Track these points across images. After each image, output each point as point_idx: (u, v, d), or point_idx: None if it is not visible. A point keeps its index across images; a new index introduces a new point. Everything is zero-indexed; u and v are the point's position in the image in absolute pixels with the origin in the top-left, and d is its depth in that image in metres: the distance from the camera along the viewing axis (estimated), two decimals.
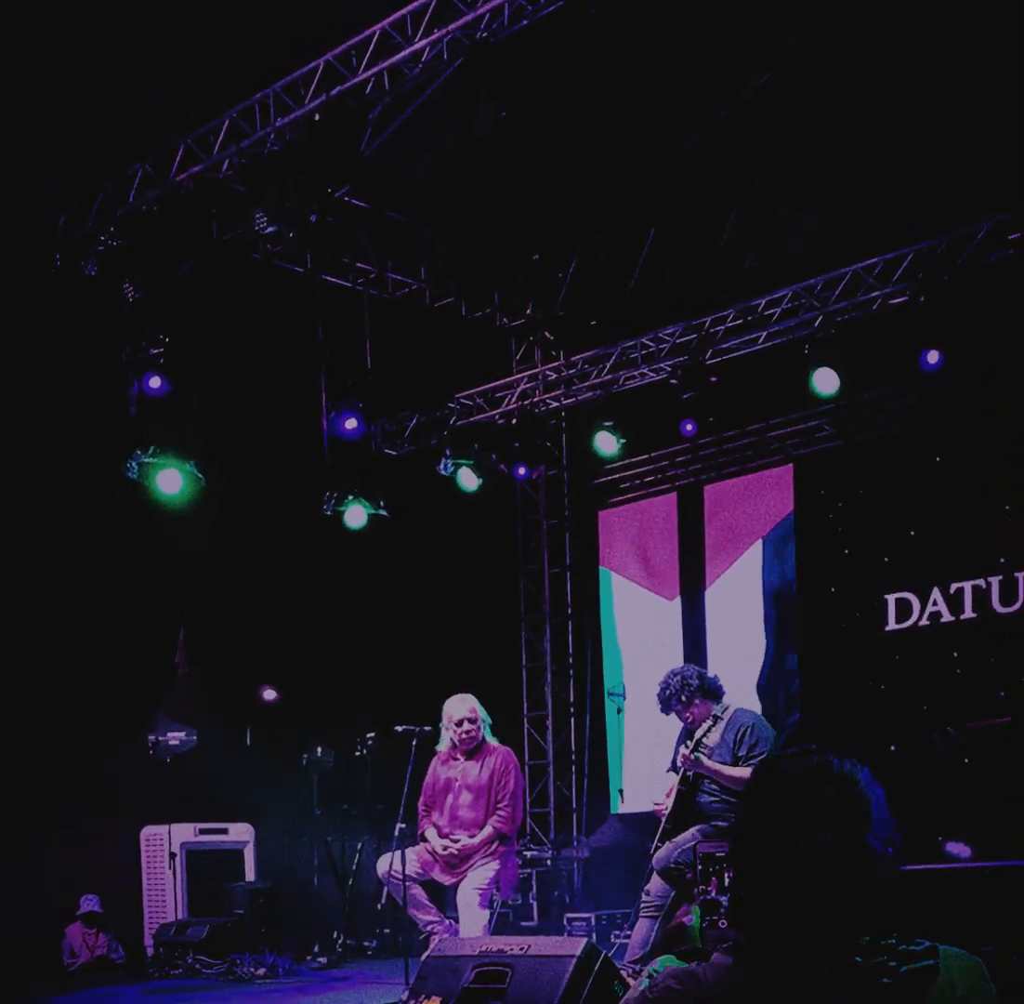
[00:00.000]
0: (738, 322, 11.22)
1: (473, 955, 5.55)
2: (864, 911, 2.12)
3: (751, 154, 10.29)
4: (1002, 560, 10.27)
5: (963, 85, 9.03)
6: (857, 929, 2.11)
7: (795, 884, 2.12)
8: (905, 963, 2.07)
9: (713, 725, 7.28)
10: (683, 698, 7.52)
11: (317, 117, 9.32)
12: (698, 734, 7.31)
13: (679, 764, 7.40)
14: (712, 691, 7.53)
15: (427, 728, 8.20)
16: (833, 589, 11.33)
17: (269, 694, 12.31)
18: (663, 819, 7.49)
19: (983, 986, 2.13)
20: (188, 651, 12.29)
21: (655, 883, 7.26)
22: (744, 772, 7.25)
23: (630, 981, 5.48)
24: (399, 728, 8.06)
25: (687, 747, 7.33)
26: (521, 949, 5.48)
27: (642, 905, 7.31)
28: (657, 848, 7.39)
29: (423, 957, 7.80)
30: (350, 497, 11.59)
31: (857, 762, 2.19)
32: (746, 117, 9.87)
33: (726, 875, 2.47)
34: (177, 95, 9.50)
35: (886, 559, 10.97)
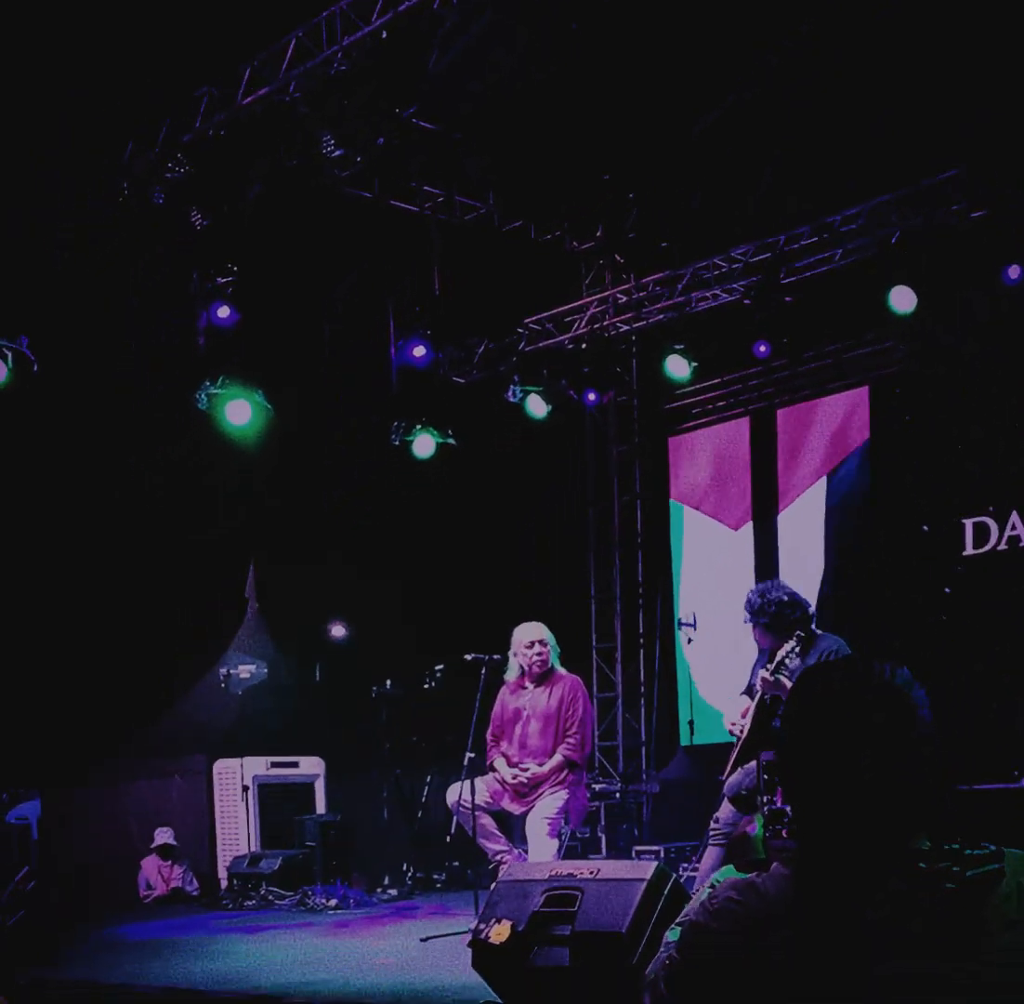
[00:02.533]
0: (813, 240, 10.95)
1: (543, 879, 5.50)
2: (917, 813, 2.09)
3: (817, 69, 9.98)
4: None
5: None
6: (914, 833, 2.08)
7: (846, 787, 2.08)
8: (970, 868, 2.02)
9: (796, 647, 7.07)
10: (761, 621, 7.30)
11: (384, 35, 9.18)
12: (780, 655, 7.10)
13: (758, 686, 7.22)
14: (783, 622, 7.22)
15: (497, 656, 8.14)
16: (909, 513, 11.09)
17: (338, 630, 12.33)
18: (737, 742, 7.36)
19: None
20: (259, 586, 12.35)
21: (725, 810, 7.14)
22: None
23: None
24: (469, 656, 8.02)
25: (767, 669, 7.14)
26: (591, 873, 5.42)
27: (711, 833, 7.20)
28: (729, 774, 7.27)
29: (493, 884, 7.85)
30: (418, 426, 11.55)
31: (899, 665, 2.16)
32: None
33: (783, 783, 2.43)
34: (242, 17, 9.36)
35: (963, 483, 10.70)
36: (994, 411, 10.60)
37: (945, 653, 10.32)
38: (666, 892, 5.29)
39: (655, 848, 10.20)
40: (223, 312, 10.47)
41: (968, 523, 10.63)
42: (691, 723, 11.48)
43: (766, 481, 12.13)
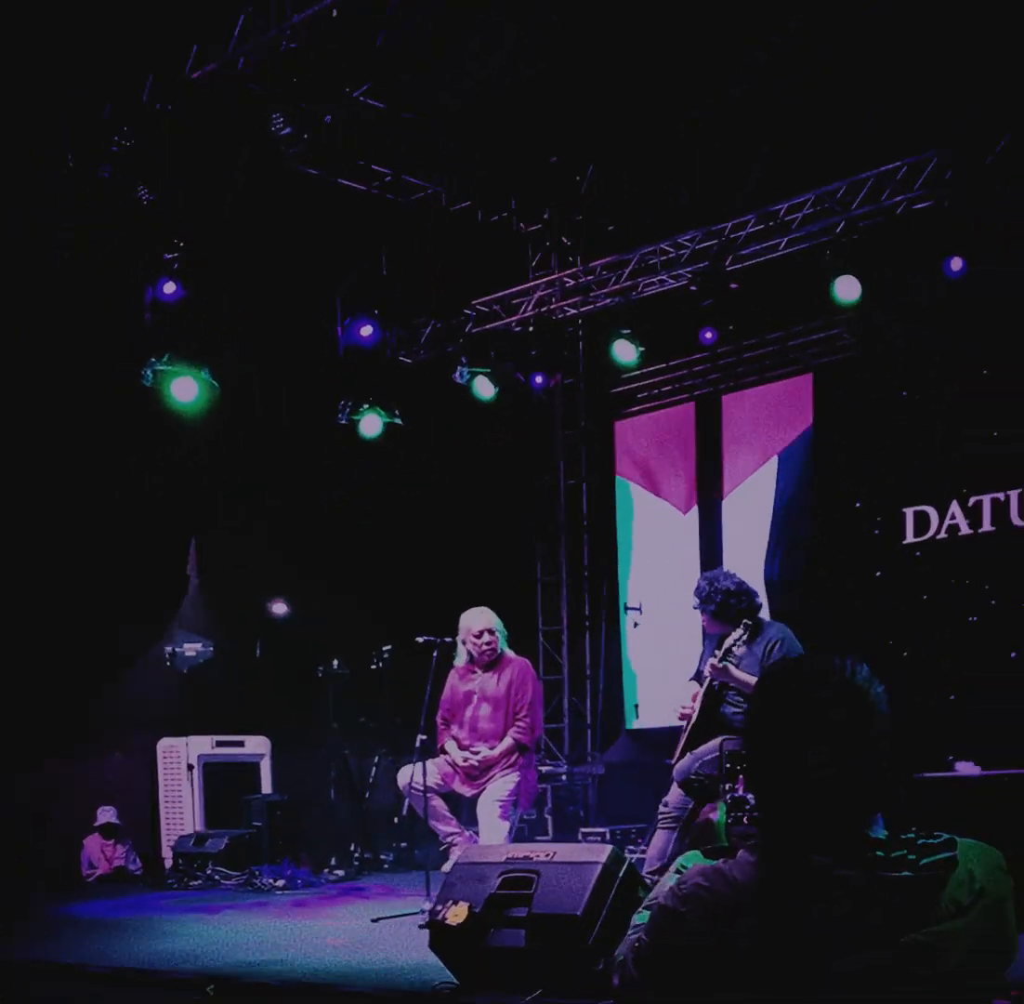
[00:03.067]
0: (759, 228, 11.05)
1: (499, 862, 5.56)
2: (875, 805, 2.20)
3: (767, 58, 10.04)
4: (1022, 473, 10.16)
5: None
6: (871, 823, 2.19)
7: (806, 780, 2.17)
8: (924, 856, 2.13)
9: (744, 635, 7.19)
10: (708, 608, 7.41)
11: (334, 13, 9.15)
12: (727, 643, 7.22)
13: (706, 673, 7.33)
14: (730, 612, 7.33)
15: (448, 639, 8.18)
16: (851, 501, 11.24)
17: (279, 608, 12.30)
18: (686, 727, 7.46)
19: (1001, 877, 2.20)
20: (200, 563, 12.29)
21: (674, 794, 7.24)
22: None
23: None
24: (420, 639, 8.04)
25: (716, 656, 7.26)
26: (547, 856, 5.48)
27: (660, 816, 7.30)
28: (678, 759, 7.37)
29: (444, 866, 7.90)
30: (365, 405, 11.54)
31: (859, 660, 2.26)
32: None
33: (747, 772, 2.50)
34: None
35: (905, 471, 10.85)
36: (935, 401, 10.76)
37: (885, 640, 10.49)
38: (621, 875, 5.37)
39: (601, 830, 10.29)
40: (169, 288, 10.41)
41: (909, 511, 10.79)
42: (637, 707, 11.59)
43: (711, 466, 12.23)
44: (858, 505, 11.13)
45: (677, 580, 11.91)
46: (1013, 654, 10.04)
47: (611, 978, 2.49)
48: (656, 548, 12.57)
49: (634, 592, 12.19)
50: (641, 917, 2.56)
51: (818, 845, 2.15)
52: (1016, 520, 10.22)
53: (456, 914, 5.50)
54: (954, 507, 10.53)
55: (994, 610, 10.21)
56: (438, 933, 5.53)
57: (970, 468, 10.44)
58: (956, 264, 9.78)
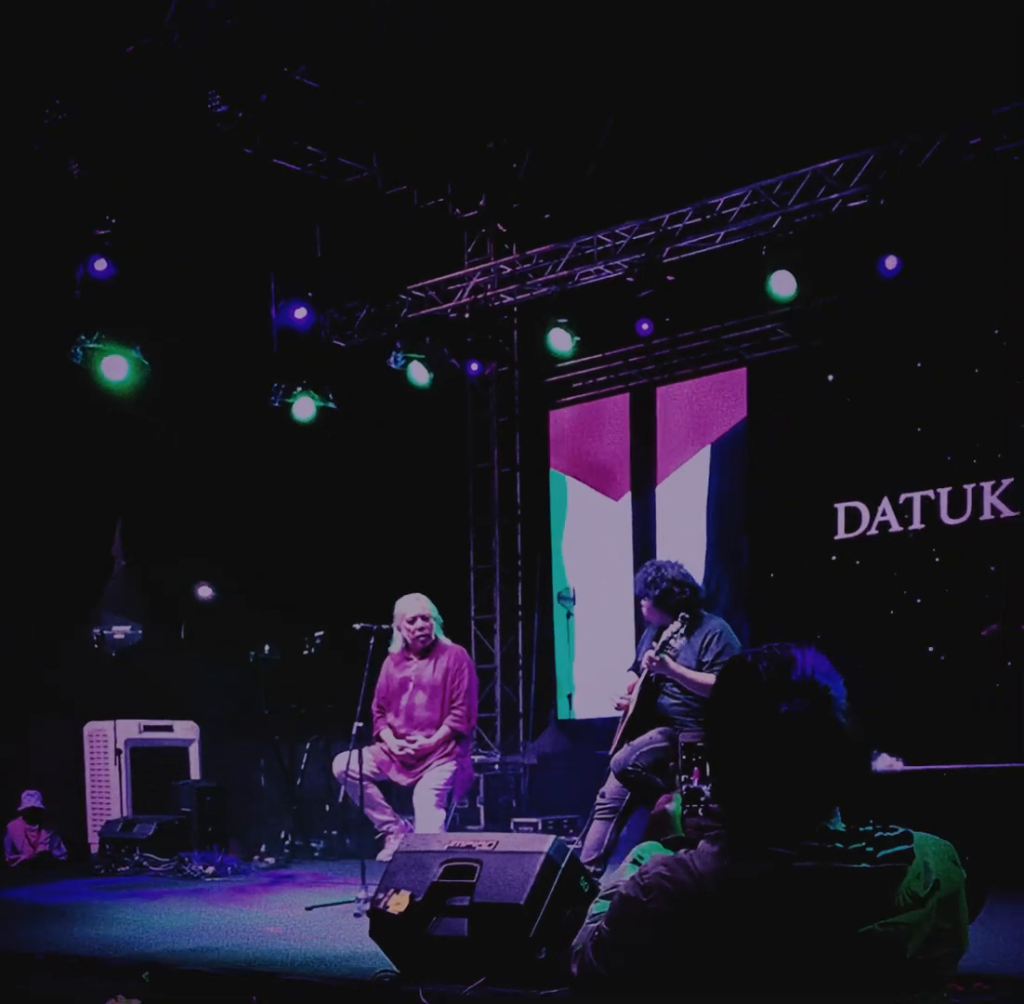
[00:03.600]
0: (696, 220, 11.08)
1: (442, 851, 5.53)
2: (836, 798, 2.22)
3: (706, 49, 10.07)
4: (953, 471, 10.31)
5: None
6: (833, 812, 2.21)
7: (768, 774, 2.20)
8: (881, 848, 2.17)
9: (681, 628, 7.22)
10: (650, 593, 7.41)
11: None
12: (665, 636, 7.24)
13: (644, 665, 7.34)
14: (671, 600, 7.35)
15: (384, 626, 8.13)
16: (783, 496, 11.33)
17: (205, 591, 12.18)
18: (623, 718, 7.47)
19: (955, 869, 2.25)
20: (126, 544, 12.14)
21: (611, 785, 7.26)
22: (708, 678, 7.20)
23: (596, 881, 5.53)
24: (357, 625, 7.98)
25: (653, 648, 7.28)
26: (490, 845, 5.47)
27: (597, 807, 7.31)
28: (615, 750, 7.38)
29: (380, 855, 7.88)
30: (299, 389, 11.45)
31: (819, 651, 2.28)
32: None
33: (708, 765, 2.54)
34: None
35: (837, 467, 10.96)
36: (868, 399, 10.87)
37: (812, 635, 10.58)
38: (563, 865, 5.38)
39: (533, 820, 10.30)
40: (100, 265, 10.27)
41: (840, 507, 10.90)
42: (570, 696, 11.61)
43: (645, 459, 12.25)
44: (790, 500, 11.22)
45: (610, 570, 12.01)
46: (930, 648, 10.20)
47: (569, 967, 2.50)
48: (589, 538, 12.59)
49: (567, 581, 12.20)
50: (599, 906, 2.57)
51: (778, 837, 2.17)
52: (945, 518, 10.37)
53: (397, 903, 5.48)
54: (885, 504, 10.66)
55: (918, 606, 10.38)
56: (379, 921, 5.51)
57: (901, 466, 10.57)
58: (891, 262, 9.87)
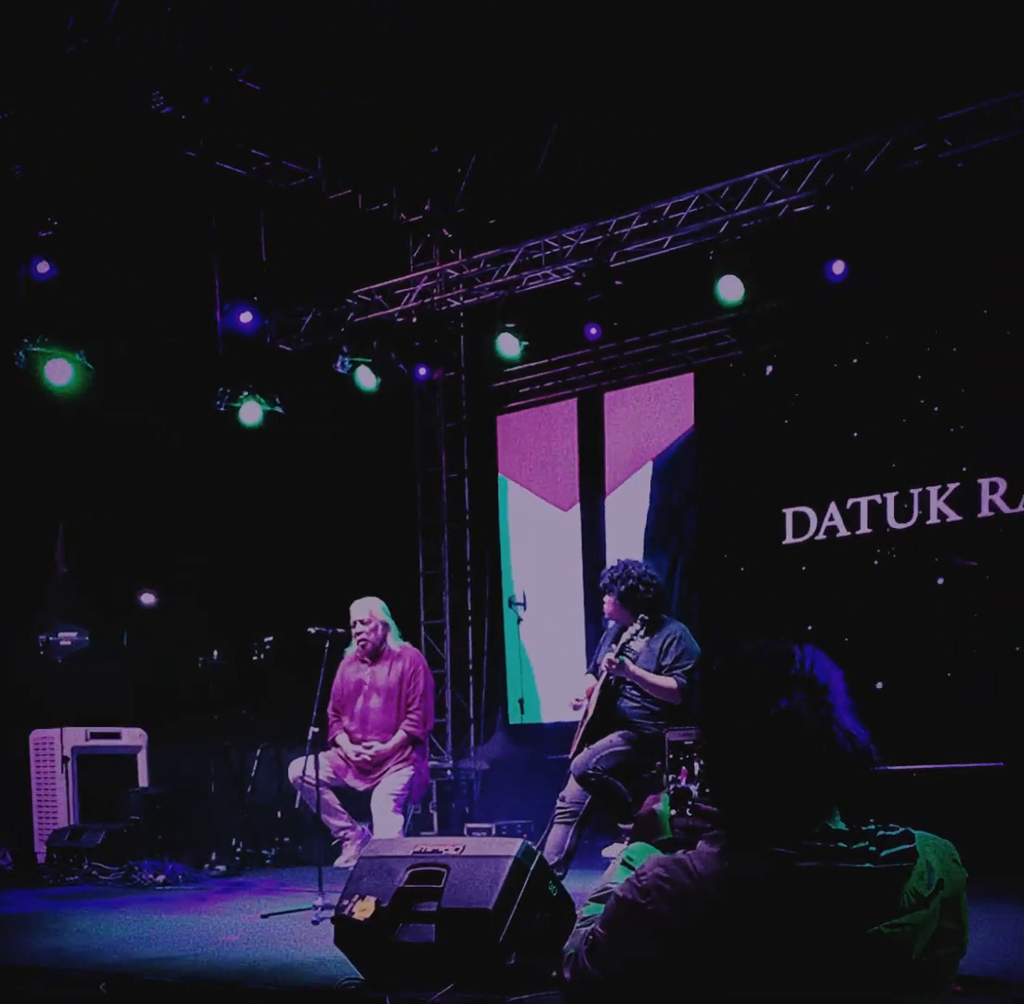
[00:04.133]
0: (643, 225, 11.10)
1: (407, 856, 5.47)
2: (837, 794, 2.19)
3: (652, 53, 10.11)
4: (899, 475, 10.39)
5: None
6: (833, 810, 2.18)
7: (768, 760, 2.16)
8: (884, 847, 2.14)
9: (641, 630, 7.22)
10: (616, 589, 7.39)
11: None
12: (624, 638, 7.24)
13: (603, 668, 7.33)
14: (636, 598, 7.36)
15: (340, 630, 8.08)
16: (731, 501, 11.38)
17: (148, 598, 12.04)
18: (582, 722, 7.47)
19: (956, 869, 2.23)
20: (68, 549, 11.96)
21: (571, 789, 7.25)
22: (667, 681, 7.22)
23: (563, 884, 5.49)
24: (312, 630, 7.92)
25: (612, 650, 7.27)
26: (457, 849, 5.42)
27: (557, 811, 7.30)
28: (575, 753, 7.36)
29: (337, 861, 7.82)
30: (245, 393, 11.35)
31: (816, 649, 2.25)
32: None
33: (695, 764, 2.51)
34: None
35: (784, 473, 11.02)
36: (815, 403, 10.94)
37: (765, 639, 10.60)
38: (532, 870, 5.35)
39: (486, 826, 10.26)
40: (43, 267, 10.14)
41: (788, 512, 10.96)
42: (521, 701, 11.59)
43: (594, 463, 12.24)
44: (735, 505, 11.26)
45: (559, 578, 12.03)
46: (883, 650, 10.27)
47: (560, 971, 2.47)
48: (538, 545, 12.58)
49: (517, 587, 12.19)
50: (590, 909, 2.54)
51: (779, 836, 2.14)
52: (892, 522, 10.45)
53: (363, 909, 5.42)
54: (832, 509, 10.72)
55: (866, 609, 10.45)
56: (344, 928, 5.45)
57: (849, 471, 10.64)
58: (838, 267, 9.93)
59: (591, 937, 2.32)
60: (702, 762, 2.65)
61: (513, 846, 5.39)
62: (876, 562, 10.49)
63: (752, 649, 2.25)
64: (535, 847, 5.49)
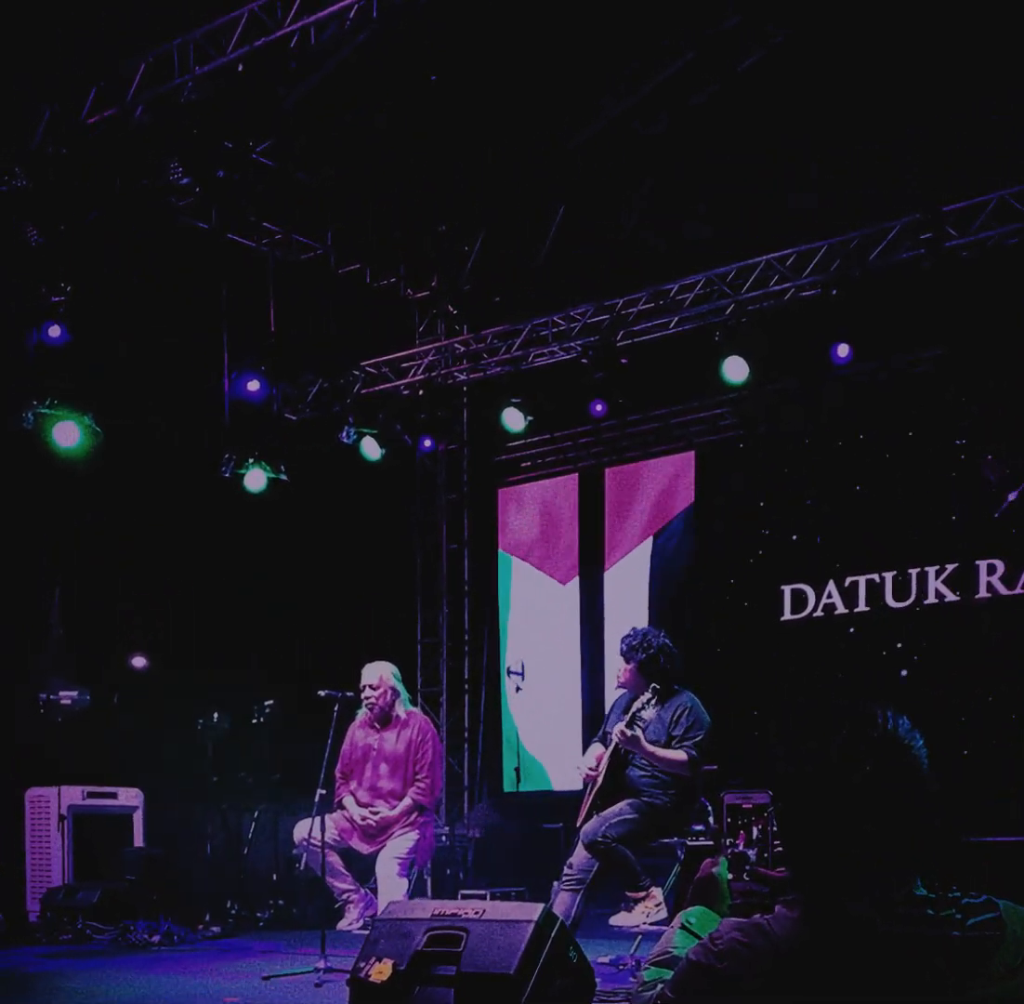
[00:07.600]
0: (649, 305, 11.26)
1: (425, 918, 5.40)
2: (919, 862, 2.14)
3: (667, 139, 10.31)
4: (897, 556, 10.49)
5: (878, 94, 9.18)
6: (914, 876, 2.12)
7: (850, 825, 2.11)
8: (970, 915, 2.09)
9: (652, 699, 7.21)
10: (635, 657, 7.37)
11: (241, 67, 9.13)
12: (635, 707, 7.22)
13: (615, 738, 7.31)
14: (655, 667, 7.34)
15: (349, 694, 8.08)
16: (730, 578, 11.45)
17: (139, 661, 11.99)
18: (590, 789, 7.44)
19: None
20: (63, 612, 11.93)
21: (579, 856, 7.19)
22: (678, 755, 7.20)
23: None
24: (322, 692, 7.92)
25: (623, 720, 7.26)
26: (476, 913, 5.35)
27: (563, 878, 7.23)
28: (584, 821, 7.33)
29: (340, 924, 7.75)
30: (250, 460, 11.40)
31: (898, 714, 2.20)
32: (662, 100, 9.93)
33: (754, 828, 2.50)
34: (90, 36, 9.20)
35: (783, 550, 11.10)
36: (815, 483, 11.06)
37: (749, 711, 10.62)
38: (553, 935, 5.30)
39: (481, 892, 10.20)
40: (54, 331, 10.21)
41: (786, 589, 11.04)
42: (517, 770, 11.57)
43: (593, 538, 12.34)
44: (738, 581, 11.33)
45: (556, 652, 12.06)
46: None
47: None
48: (536, 619, 12.62)
49: (514, 658, 12.21)
50: (652, 973, 2.51)
51: (860, 901, 2.10)
52: (891, 601, 10.52)
53: (380, 971, 5.36)
54: (830, 586, 10.80)
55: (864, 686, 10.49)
56: (359, 991, 5.38)
57: (847, 550, 10.73)
58: (843, 350, 10.09)
59: (660, 1001, 2.28)
60: (774, 826, 2.63)
61: (534, 911, 5.33)
62: (874, 640, 10.55)
63: (837, 715, 2.20)
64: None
